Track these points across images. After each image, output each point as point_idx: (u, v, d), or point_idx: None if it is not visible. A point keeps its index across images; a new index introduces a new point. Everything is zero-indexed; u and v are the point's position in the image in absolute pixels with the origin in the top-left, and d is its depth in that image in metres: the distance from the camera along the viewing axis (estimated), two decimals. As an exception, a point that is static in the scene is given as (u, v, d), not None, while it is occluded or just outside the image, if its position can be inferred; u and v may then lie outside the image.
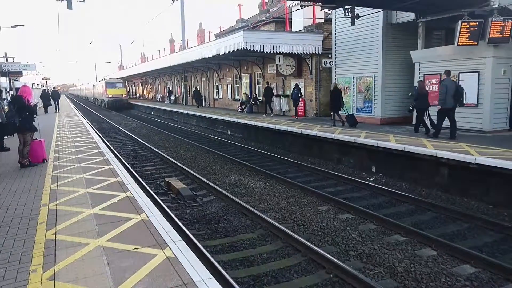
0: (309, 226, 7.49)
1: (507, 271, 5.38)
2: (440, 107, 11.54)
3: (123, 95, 46.56)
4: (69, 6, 10.15)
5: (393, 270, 5.67)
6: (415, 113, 13.96)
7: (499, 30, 11.77)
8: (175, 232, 5.18)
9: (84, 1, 10.32)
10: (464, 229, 7.19)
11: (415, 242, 6.61)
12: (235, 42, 19.06)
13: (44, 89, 35.12)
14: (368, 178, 10.95)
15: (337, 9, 16.72)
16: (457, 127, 11.76)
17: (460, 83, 12.24)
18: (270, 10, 33.44)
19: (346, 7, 13.58)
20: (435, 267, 5.73)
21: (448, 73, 11.93)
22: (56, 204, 6.44)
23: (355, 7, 13.59)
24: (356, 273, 5.31)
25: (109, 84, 46.12)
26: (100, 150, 11.92)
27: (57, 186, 7.68)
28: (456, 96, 11.39)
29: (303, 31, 21.81)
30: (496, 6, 11.63)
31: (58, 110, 31.25)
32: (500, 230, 6.95)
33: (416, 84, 13.97)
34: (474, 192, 8.73)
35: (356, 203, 8.60)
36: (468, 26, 11.99)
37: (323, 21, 21.33)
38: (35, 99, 30.07)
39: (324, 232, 7.17)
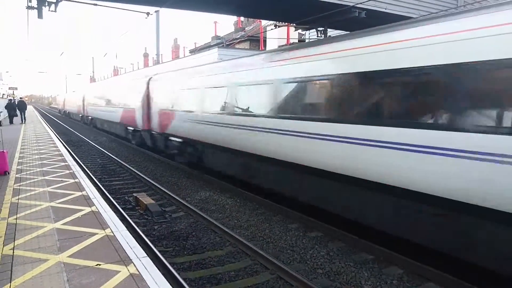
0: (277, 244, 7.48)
1: None
2: None
3: None
4: (40, 16, 9.95)
5: None
6: None
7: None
8: (141, 248, 5.05)
9: (55, 11, 10.15)
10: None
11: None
12: (210, 59, 19.15)
13: (10, 99, 33.86)
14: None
15: (310, 30, 17.16)
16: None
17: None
18: (245, 28, 33.93)
19: (319, 29, 13.99)
20: (400, 285, 5.80)
21: None
22: (16, 218, 6.17)
23: (328, 29, 14.02)
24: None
25: None
26: (66, 163, 11.57)
27: (18, 199, 7.38)
28: None
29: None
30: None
31: (24, 121, 30.26)
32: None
33: None
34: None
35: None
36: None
37: (297, 41, 21.81)
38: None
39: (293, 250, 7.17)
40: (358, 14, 11.84)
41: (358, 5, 11.33)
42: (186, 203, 9.80)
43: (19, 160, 11.97)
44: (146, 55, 60.63)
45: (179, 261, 6.70)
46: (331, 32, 14.99)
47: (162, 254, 6.55)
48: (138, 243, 5.32)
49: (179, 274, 5.82)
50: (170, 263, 6.21)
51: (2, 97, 49.60)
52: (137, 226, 8.02)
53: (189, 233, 8.02)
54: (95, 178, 12.57)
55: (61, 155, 13.39)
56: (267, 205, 9.73)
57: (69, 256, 4.71)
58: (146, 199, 9.86)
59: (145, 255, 4.85)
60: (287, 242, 7.51)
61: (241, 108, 10.09)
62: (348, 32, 14.24)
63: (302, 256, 6.89)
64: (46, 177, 9.41)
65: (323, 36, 14.17)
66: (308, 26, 15.36)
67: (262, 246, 7.30)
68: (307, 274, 6.17)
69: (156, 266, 4.61)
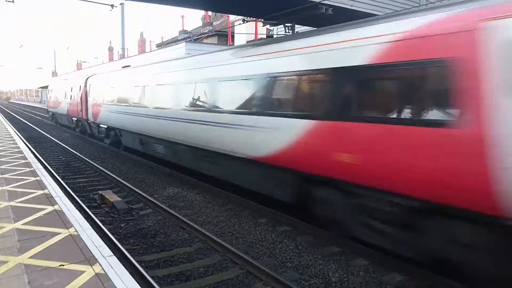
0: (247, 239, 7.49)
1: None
2: None
3: None
4: (-4, 6, 9.48)
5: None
6: None
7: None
8: (106, 247, 4.93)
9: (13, 1, 9.66)
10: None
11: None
12: (177, 53, 18.89)
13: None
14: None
15: (278, 26, 17.21)
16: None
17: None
18: (213, 23, 33.64)
19: (286, 24, 14.04)
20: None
21: None
22: (-28, 219, 5.87)
23: (295, 25, 14.09)
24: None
25: None
26: (26, 161, 11.12)
27: (-26, 199, 7.02)
28: None
29: (245, 45, 22.15)
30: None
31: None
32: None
33: None
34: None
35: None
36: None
37: (265, 36, 21.85)
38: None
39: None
40: (325, 10, 11.96)
41: (324, 1, 11.44)
42: (153, 200, 9.64)
43: (-25, 158, 11.39)
44: (111, 49, 59.12)
45: (147, 259, 6.59)
46: (299, 28, 15.09)
47: (129, 252, 6.42)
48: (104, 242, 5.19)
49: (147, 272, 5.73)
50: (137, 261, 6.10)
51: None
52: (103, 225, 7.82)
53: (157, 230, 7.91)
54: (58, 176, 12.15)
55: (21, 152, 12.86)
56: (236, 201, 9.73)
57: (30, 257, 4.53)
58: (112, 197, 9.63)
59: (111, 253, 4.73)
60: (256, 237, 7.54)
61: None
62: (316, 28, 14.41)
63: (271, 250, 6.94)
64: (5, 175, 9.01)
65: (290, 32, 14.24)
66: (276, 21, 15.41)
67: (231, 242, 7.29)
68: (276, 268, 6.22)
69: (123, 265, 4.52)
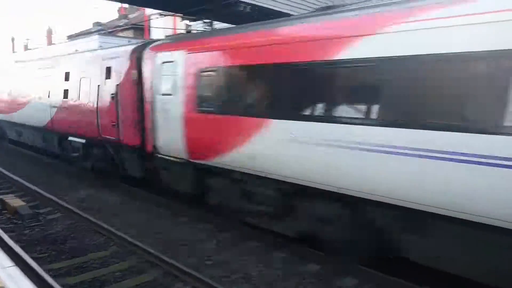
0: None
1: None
2: None
3: None
4: None
5: (248, 275, 5.90)
6: None
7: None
8: (6, 256, 4.46)
9: None
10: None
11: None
12: (89, 46, 17.75)
13: None
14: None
15: (197, 21, 17.03)
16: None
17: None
18: (129, 16, 32.24)
19: (205, 20, 13.98)
20: (285, 268, 6.13)
21: None
22: None
23: (213, 21, 14.08)
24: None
25: None
26: None
27: None
28: None
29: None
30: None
31: None
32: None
33: None
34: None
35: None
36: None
37: (185, 31, 21.45)
38: None
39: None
40: (244, 8, 12.11)
41: (243, -1, 11.57)
42: (63, 203, 8.99)
43: None
44: (13, 39, 54.14)
45: (56, 266, 6.14)
46: (218, 25, 15.07)
47: (35, 261, 5.90)
48: (4, 251, 4.70)
49: (56, 281, 5.32)
50: (45, 270, 5.63)
51: None
52: (4, 232, 7.10)
53: (67, 236, 7.40)
54: None
55: None
56: (153, 201, 9.45)
57: None
58: (15, 201, 8.83)
59: (12, 264, 4.29)
60: (176, 236, 7.40)
61: None
62: (235, 25, 14.52)
63: (192, 249, 6.85)
64: None
65: (210, 28, 14.18)
66: (195, 17, 15.24)
67: (149, 243, 7.05)
68: (197, 266, 6.14)
69: (27, 275, 4.12)
